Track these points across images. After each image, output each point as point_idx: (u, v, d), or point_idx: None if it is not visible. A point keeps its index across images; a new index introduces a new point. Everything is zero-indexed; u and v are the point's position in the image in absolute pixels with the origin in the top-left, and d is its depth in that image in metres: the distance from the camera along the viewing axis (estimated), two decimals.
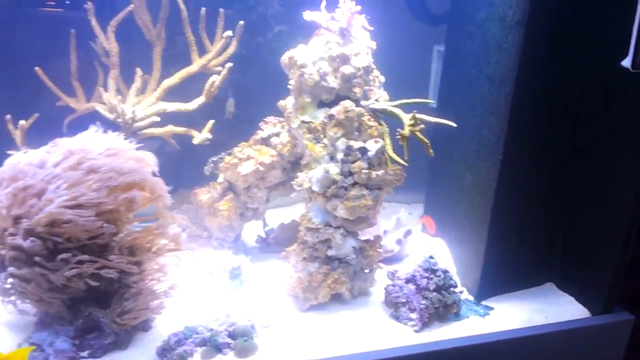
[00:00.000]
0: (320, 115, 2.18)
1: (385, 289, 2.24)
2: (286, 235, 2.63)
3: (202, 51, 2.53)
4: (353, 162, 2.10)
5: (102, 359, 1.84)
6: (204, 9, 2.41)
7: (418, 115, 2.04)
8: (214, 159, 2.57)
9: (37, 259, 1.74)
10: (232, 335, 1.94)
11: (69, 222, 1.72)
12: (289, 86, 2.26)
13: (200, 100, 2.46)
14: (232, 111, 2.70)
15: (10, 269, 1.74)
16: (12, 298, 1.86)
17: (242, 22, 2.48)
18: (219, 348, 1.90)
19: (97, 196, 1.75)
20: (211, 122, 2.50)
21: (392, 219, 2.66)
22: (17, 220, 1.77)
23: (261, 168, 2.41)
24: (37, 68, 2.30)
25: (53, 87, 2.34)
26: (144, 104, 2.43)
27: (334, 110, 2.14)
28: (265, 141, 2.50)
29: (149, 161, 2.02)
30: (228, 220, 2.48)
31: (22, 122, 2.23)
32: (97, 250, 1.84)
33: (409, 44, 2.88)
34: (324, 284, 2.17)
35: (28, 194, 1.77)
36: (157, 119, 2.40)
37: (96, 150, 1.86)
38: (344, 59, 2.16)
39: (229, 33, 2.46)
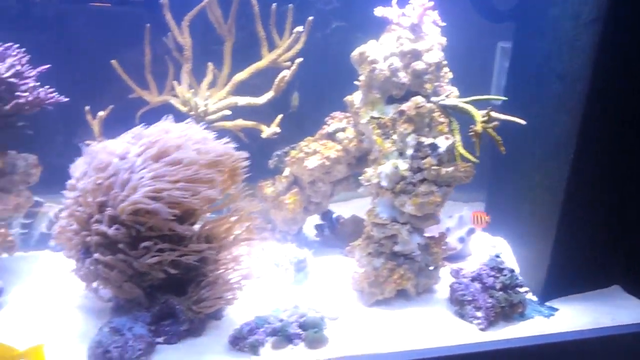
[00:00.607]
0: (390, 111, 2.19)
1: (451, 286, 2.23)
2: (345, 229, 2.65)
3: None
4: (423, 159, 2.10)
5: (176, 345, 1.88)
6: (274, 5, 2.44)
7: (492, 113, 2.03)
8: (279, 152, 2.61)
9: (120, 245, 1.79)
10: (302, 326, 1.96)
11: (153, 213, 1.76)
12: (356, 82, 2.27)
13: (269, 95, 2.50)
14: (296, 105, 2.73)
15: (96, 255, 1.80)
16: (95, 284, 1.92)
17: (311, 18, 2.50)
18: (290, 338, 1.92)
19: (181, 194, 1.79)
20: (280, 116, 2.53)
21: (455, 217, 2.65)
22: (101, 207, 1.82)
23: (327, 163, 2.43)
24: (113, 61, 2.36)
25: (128, 80, 2.40)
26: (215, 97, 2.48)
27: (404, 106, 2.14)
28: (330, 136, 2.52)
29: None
30: (293, 214, 2.51)
31: (100, 113, 2.30)
32: (176, 238, 1.88)
33: (471, 41, 2.86)
34: (390, 279, 2.17)
35: (112, 182, 1.82)
36: (228, 112, 2.44)
37: (178, 141, 1.89)
38: (416, 55, 2.16)
39: (300, 29, 2.48)
